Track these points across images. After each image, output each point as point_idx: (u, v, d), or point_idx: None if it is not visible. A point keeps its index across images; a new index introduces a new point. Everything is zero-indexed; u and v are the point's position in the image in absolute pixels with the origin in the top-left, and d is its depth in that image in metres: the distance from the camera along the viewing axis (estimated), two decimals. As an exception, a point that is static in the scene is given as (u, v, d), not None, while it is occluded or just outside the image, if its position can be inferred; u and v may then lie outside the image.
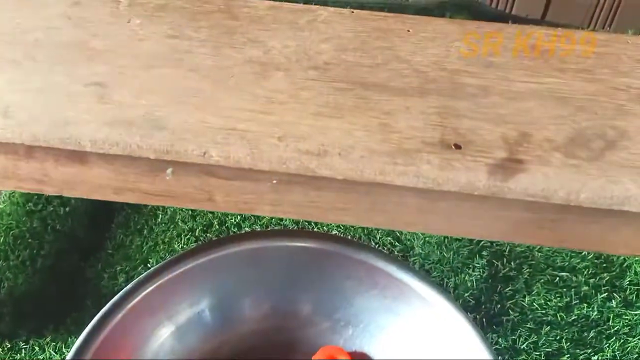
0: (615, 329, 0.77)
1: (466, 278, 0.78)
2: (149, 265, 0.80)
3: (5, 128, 0.38)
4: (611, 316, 0.78)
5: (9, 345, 0.73)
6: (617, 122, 0.39)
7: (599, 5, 1.12)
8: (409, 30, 0.46)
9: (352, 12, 0.48)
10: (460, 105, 0.40)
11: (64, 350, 0.72)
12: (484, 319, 0.77)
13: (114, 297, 0.62)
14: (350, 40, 0.45)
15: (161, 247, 0.82)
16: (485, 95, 0.41)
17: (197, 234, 0.83)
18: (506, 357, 0.74)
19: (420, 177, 0.36)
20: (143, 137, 0.38)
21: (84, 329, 0.59)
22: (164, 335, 0.64)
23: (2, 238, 0.79)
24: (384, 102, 0.41)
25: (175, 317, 0.65)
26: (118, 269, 0.79)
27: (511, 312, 0.77)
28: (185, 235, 0.83)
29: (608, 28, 1.15)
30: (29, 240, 0.80)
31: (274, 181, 0.40)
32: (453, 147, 0.37)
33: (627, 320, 0.78)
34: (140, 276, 0.64)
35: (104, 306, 0.61)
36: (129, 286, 0.63)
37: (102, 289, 0.77)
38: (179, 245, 0.82)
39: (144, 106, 0.40)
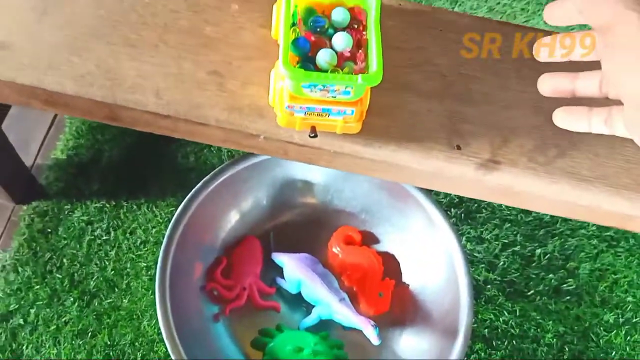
0: (560, 230, 1.02)
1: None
2: (212, 149, 1.02)
3: (157, 106, 0.58)
4: (559, 219, 1.02)
5: (114, 203, 0.98)
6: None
7: None
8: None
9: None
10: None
11: (154, 210, 0.98)
12: (462, 214, 1.01)
13: (192, 180, 0.86)
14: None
15: (220, 133, 1.03)
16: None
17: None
18: (473, 244, 1.00)
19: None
20: (251, 122, 0.58)
21: (167, 196, 0.82)
22: (233, 218, 0.89)
23: (96, 116, 1.01)
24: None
25: (241, 204, 0.89)
26: (188, 149, 1.02)
27: (484, 211, 1.02)
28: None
29: None
30: (117, 119, 1.02)
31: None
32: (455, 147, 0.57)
33: (571, 224, 1.02)
34: (214, 170, 0.87)
35: (180, 180, 0.83)
36: (207, 177, 0.86)
37: (177, 166, 1.01)
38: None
39: (249, 96, 0.59)
